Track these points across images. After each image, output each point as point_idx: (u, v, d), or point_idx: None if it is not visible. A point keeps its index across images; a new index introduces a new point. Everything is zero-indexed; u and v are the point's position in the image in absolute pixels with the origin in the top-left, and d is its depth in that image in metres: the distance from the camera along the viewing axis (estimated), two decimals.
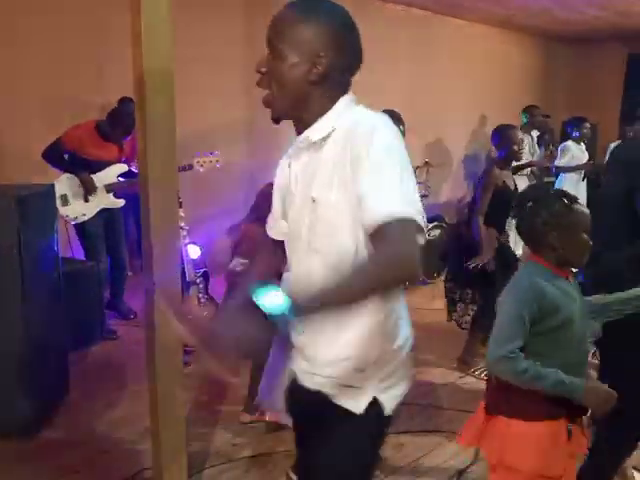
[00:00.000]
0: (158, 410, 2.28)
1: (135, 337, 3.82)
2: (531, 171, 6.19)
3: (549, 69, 9.99)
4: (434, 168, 6.20)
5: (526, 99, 8.96)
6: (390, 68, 7.38)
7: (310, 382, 1.40)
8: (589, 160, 6.42)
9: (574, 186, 6.24)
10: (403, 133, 3.23)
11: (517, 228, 1.87)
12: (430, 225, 5.72)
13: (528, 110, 6.64)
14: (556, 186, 6.56)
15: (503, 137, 3.66)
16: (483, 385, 3.48)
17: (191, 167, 3.77)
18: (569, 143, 6.51)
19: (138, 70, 2.06)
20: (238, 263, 2.73)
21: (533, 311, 1.66)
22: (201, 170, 3.83)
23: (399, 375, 1.40)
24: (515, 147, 3.60)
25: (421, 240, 1.16)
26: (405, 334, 1.40)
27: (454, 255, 3.90)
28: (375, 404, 1.34)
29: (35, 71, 4.61)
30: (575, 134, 6.43)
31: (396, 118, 3.25)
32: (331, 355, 1.34)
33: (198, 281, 3.72)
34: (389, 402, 1.37)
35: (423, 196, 5.91)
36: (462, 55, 8.30)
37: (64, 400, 3.31)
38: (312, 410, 1.41)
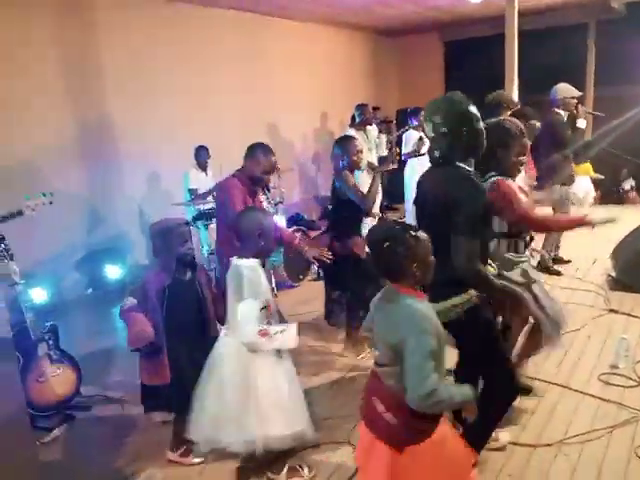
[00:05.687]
0: None
1: None
2: (368, 165, 6.35)
3: (379, 63, 10.53)
4: (284, 173, 6.22)
5: (361, 93, 9.37)
6: (225, 71, 7.28)
7: None
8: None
9: (418, 167, 6.57)
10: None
11: (375, 264, 1.95)
12: (291, 229, 5.76)
13: (359, 108, 6.92)
14: (406, 171, 6.88)
15: (344, 150, 3.78)
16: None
17: (21, 213, 3.34)
18: (411, 131, 6.95)
19: None
20: (127, 302, 2.73)
21: (435, 341, 1.82)
22: (33, 214, 3.41)
23: None
24: (354, 158, 3.76)
25: None
26: None
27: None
28: None
29: None
30: (414, 122, 6.89)
31: None
32: None
33: (47, 337, 3.36)
34: None
35: (278, 203, 5.91)
36: (296, 55, 8.42)
37: None
38: None
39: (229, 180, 3.43)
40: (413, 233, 1.88)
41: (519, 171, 2.88)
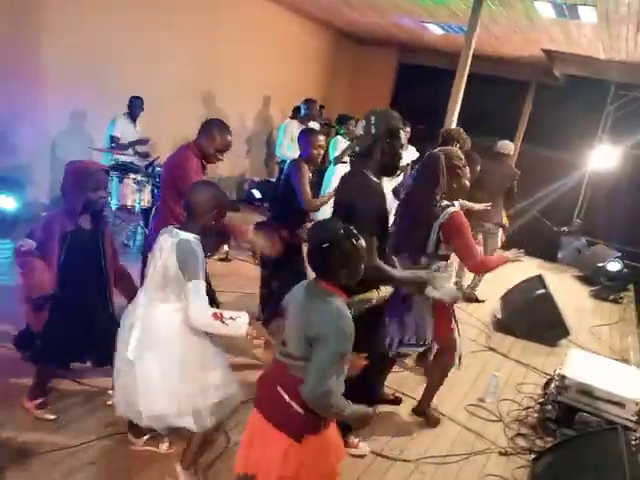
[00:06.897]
0: None
1: None
2: None
3: (334, 63, 10.56)
4: None
5: (309, 87, 9.36)
6: (176, 28, 7.00)
7: None
8: None
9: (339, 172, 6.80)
10: None
11: (309, 257, 1.99)
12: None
13: (307, 103, 6.89)
14: (327, 174, 6.94)
15: (306, 140, 3.69)
16: None
17: None
18: (338, 137, 6.99)
19: None
20: (25, 243, 2.54)
21: (350, 344, 1.87)
22: None
23: None
24: (315, 151, 3.67)
25: None
26: None
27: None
28: None
29: None
30: (341, 130, 6.94)
31: None
32: None
33: None
34: None
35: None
36: (252, 32, 8.24)
37: None
38: None
39: (183, 153, 3.20)
40: (354, 241, 1.92)
41: (460, 197, 3.13)
